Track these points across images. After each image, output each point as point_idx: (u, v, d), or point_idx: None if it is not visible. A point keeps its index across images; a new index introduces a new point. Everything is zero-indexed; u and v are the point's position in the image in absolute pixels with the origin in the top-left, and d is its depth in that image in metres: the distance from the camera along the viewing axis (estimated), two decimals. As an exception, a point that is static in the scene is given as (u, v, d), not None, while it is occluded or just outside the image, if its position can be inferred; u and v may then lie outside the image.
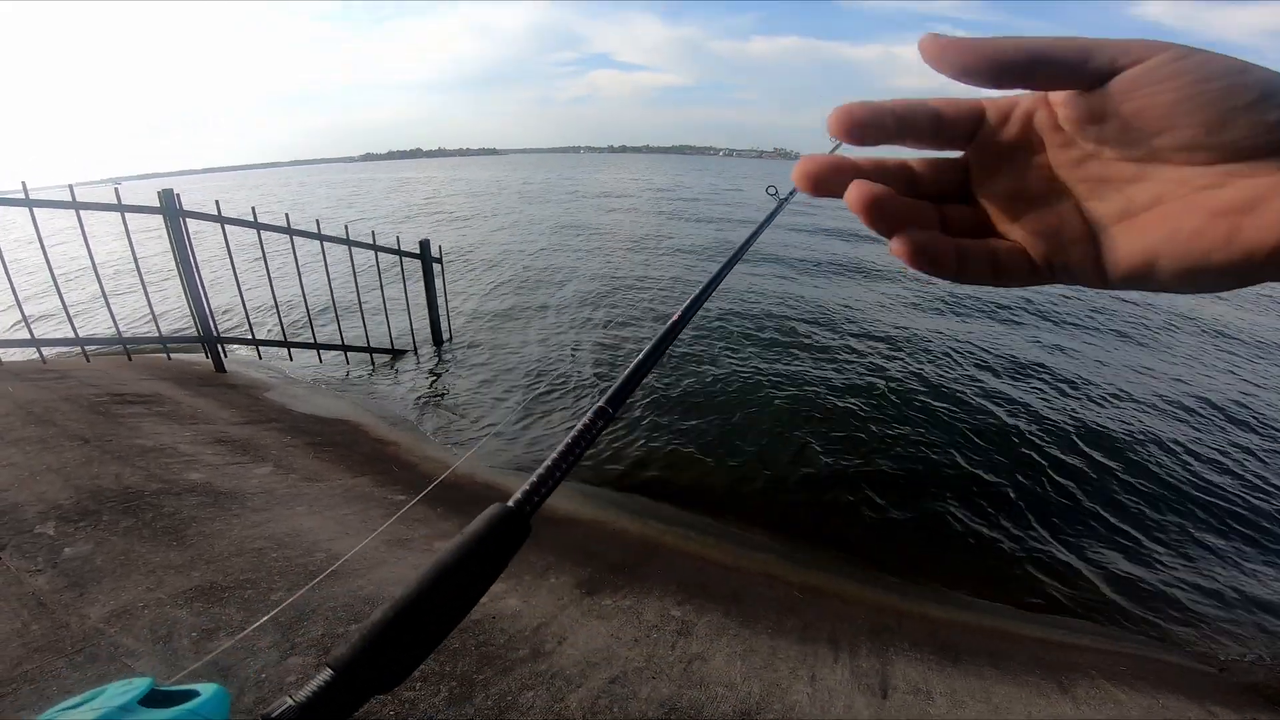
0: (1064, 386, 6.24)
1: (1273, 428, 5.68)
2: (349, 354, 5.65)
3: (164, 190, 4.15)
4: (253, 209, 4.57)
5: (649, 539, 3.39)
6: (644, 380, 0.54)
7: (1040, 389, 6.15)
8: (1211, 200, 0.25)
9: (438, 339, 6.38)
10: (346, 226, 5.15)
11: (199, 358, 4.80)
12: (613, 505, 3.78)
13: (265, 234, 4.61)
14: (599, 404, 0.51)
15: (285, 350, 5.18)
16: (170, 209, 4.14)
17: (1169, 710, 2.45)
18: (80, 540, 2.15)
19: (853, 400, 5.53)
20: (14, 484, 2.40)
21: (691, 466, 4.33)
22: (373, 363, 5.82)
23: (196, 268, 4.35)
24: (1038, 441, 5.10)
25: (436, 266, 6.03)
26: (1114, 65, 0.27)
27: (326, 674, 0.36)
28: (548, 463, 0.46)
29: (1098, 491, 4.43)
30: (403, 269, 5.68)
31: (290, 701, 0.34)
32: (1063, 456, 4.81)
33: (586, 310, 8.26)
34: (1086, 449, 4.99)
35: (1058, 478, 4.53)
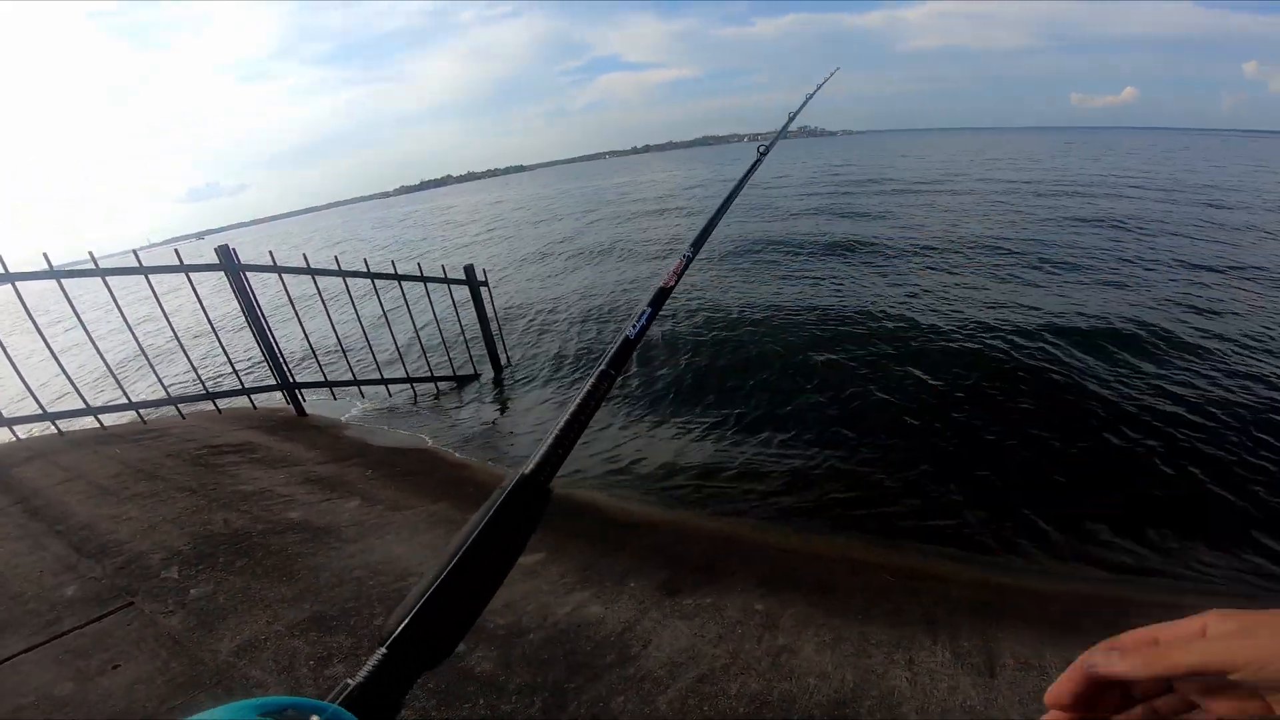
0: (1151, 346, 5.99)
1: None
2: (415, 385, 5.97)
3: (220, 247, 4.38)
4: (304, 255, 4.86)
5: (725, 535, 3.47)
6: (644, 339, 0.64)
7: (1113, 347, 5.95)
8: None
9: (495, 360, 6.63)
10: (394, 263, 5.47)
11: (281, 403, 5.18)
12: (686, 505, 3.90)
13: (320, 278, 4.90)
14: (601, 367, 0.57)
15: (357, 389, 5.54)
16: (230, 264, 4.37)
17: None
18: (203, 581, 2.43)
19: (914, 370, 5.55)
20: (136, 535, 2.71)
21: (757, 458, 4.43)
22: (438, 391, 6.13)
23: (264, 318, 4.66)
24: (1147, 381, 5.05)
25: (485, 291, 6.29)
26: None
27: (380, 652, 0.39)
28: (558, 429, 0.52)
29: (1211, 443, 4.25)
30: (452, 296, 5.93)
31: (350, 683, 0.37)
32: (1162, 409, 4.65)
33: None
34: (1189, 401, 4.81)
35: (1158, 431, 4.38)
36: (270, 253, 4.69)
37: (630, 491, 4.10)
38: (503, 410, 5.78)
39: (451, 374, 6.28)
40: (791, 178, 30.53)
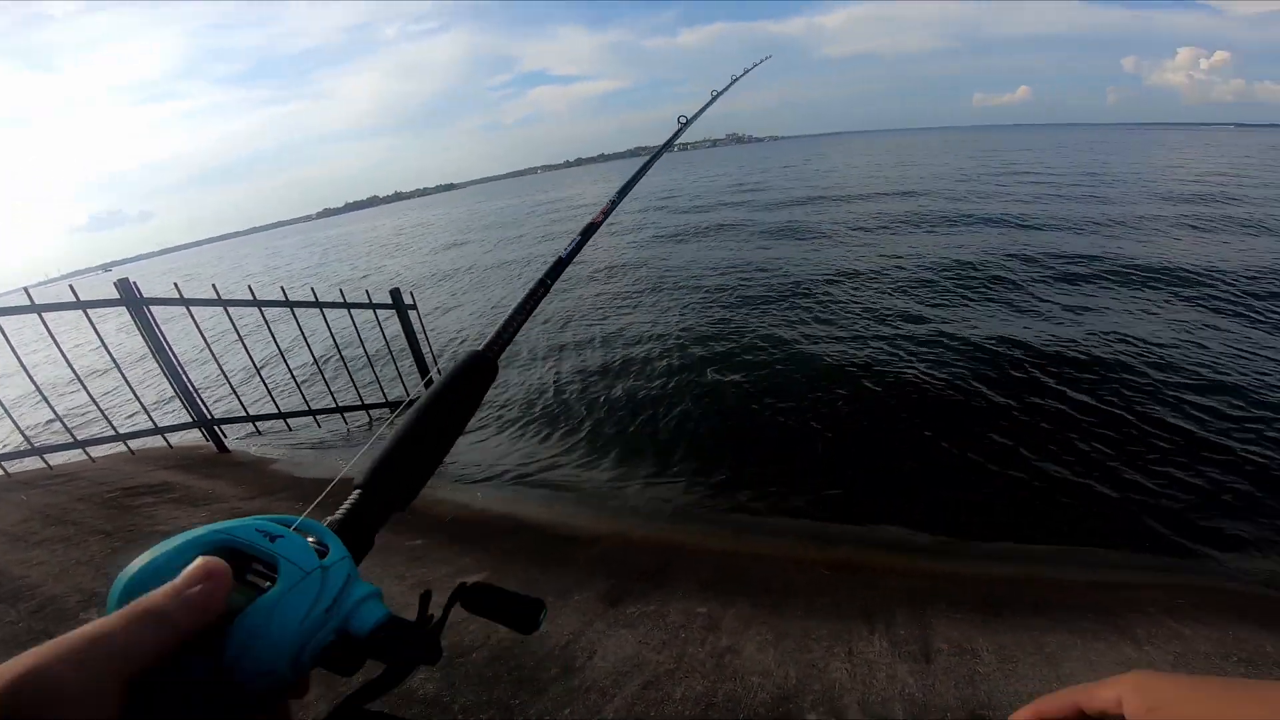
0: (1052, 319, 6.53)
1: None
2: (346, 415, 5.84)
3: (120, 280, 4.19)
4: (213, 285, 4.70)
5: (668, 542, 3.56)
6: (576, 258, 0.80)
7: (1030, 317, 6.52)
8: None
9: (428, 382, 6.52)
10: (313, 289, 5.36)
11: (201, 442, 5.01)
12: (627, 515, 4.00)
13: (236, 308, 4.74)
14: (540, 276, 0.72)
15: (283, 422, 5.40)
16: (131, 298, 4.18)
17: (1244, 643, 2.46)
18: (125, 622, 2.37)
19: (832, 368, 5.95)
20: (48, 579, 2.61)
21: (688, 468, 4.58)
22: (370, 419, 6.04)
23: (173, 353, 4.49)
24: (1039, 367, 5.49)
25: (414, 313, 6.22)
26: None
27: (356, 494, 0.48)
28: (506, 318, 0.65)
29: (1118, 415, 4.66)
30: (378, 321, 5.84)
31: (331, 518, 0.46)
32: (1069, 386, 5.10)
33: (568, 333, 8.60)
34: (1094, 374, 5.31)
35: (1068, 408, 4.79)
36: (175, 285, 4.52)
37: (569, 507, 4.17)
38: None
39: (384, 400, 6.17)
40: (713, 183, 31.31)
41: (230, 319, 4.71)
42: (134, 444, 4.55)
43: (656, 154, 1.34)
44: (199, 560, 0.37)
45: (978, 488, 3.99)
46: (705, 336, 7.36)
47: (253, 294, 4.80)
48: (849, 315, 7.55)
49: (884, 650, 2.39)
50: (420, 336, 6.36)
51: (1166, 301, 7.25)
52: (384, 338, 5.99)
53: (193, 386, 4.75)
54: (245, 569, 0.40)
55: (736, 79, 2.19)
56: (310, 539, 0.43)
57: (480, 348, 0.60)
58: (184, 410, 4.78)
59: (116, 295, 4.18)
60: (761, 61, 2.69)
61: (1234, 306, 6.92)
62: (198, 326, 4.57)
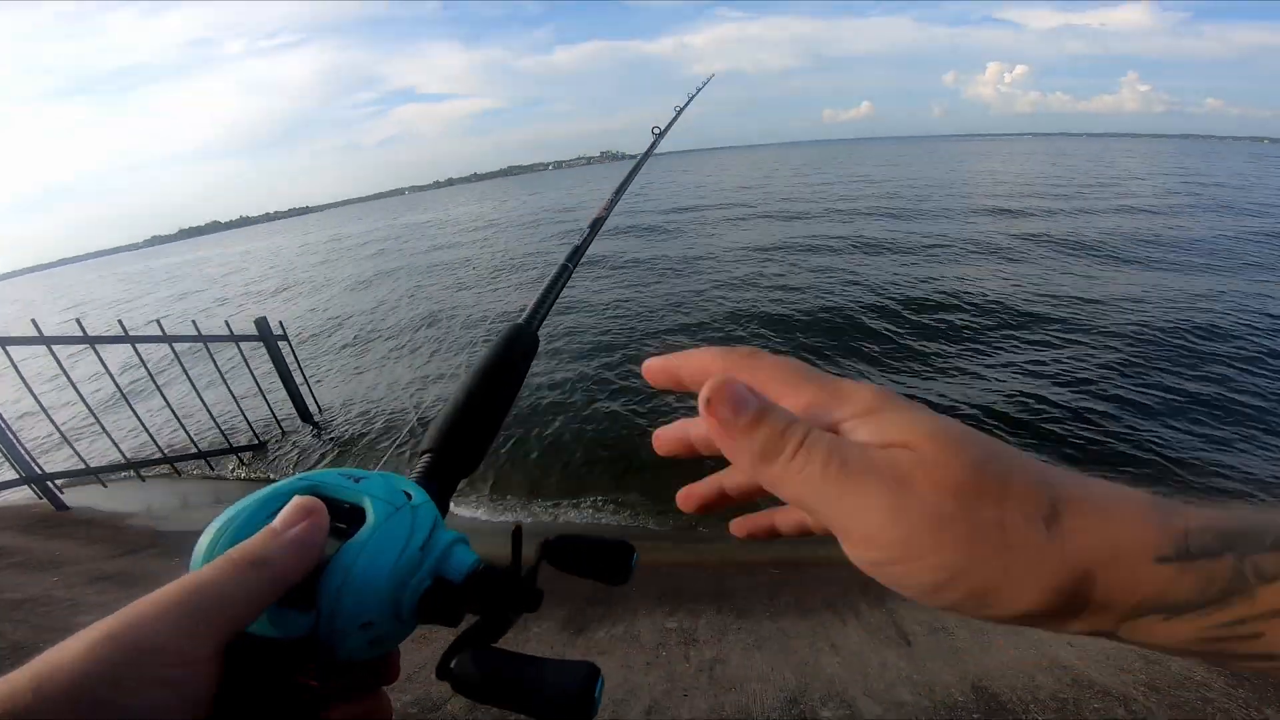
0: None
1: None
2: (209, 460, 5.26)
3: None
4: (33, 320, 4.01)
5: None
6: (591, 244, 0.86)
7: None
8: None
9: (304, 414, 6.10)
10: (159, 321, 4.71)
11: (33, 500, 4.36)
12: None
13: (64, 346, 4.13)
14: (563, 260, 0.76)
15: (134, 473, 4.79)
16: None
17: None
18: (-5, 701, 1.93)
19: None
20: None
21: (620, 475, 4.62)
22: (241, 461, 5.47)
23: None
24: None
25: (284, 344, 5.74)
26: None
27: (427, 456, 0.47)
28: (542, 290, 0.67)
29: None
30: (243, 354, 5.29)
31: (410, 473, 0.46)
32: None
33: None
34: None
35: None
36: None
37: (487, 539, 3.92)
38: (324, 461, 5.37)
39: (256, 441, 5.60)
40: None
41: (57, 359, 4.05)
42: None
43: (642, 159, 1.43)
44: (295, 499, 0.35)
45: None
46: (588, 353, 7.50)
47: (82, 329, 4.16)
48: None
49: (863, 639, 2.42)
50: (294, 369, 5.85)
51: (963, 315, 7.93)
52: (250, 372, 5.40)
53: (16, 438, 4.08)
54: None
55: (693, 96, 2.27)
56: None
57: (521, 320, 0.62)
58: (8, 466, 4.10)
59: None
60: (709, 80, 2.79)
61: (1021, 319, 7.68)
62: (17, 369, 3.91)
